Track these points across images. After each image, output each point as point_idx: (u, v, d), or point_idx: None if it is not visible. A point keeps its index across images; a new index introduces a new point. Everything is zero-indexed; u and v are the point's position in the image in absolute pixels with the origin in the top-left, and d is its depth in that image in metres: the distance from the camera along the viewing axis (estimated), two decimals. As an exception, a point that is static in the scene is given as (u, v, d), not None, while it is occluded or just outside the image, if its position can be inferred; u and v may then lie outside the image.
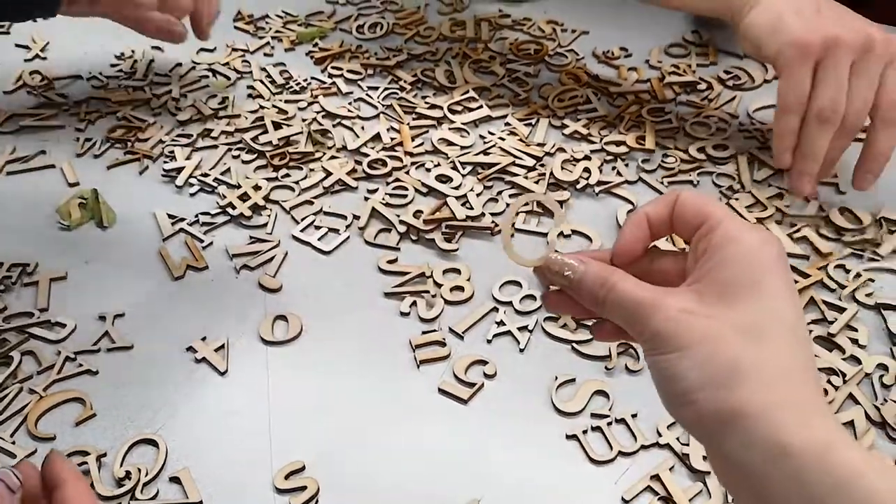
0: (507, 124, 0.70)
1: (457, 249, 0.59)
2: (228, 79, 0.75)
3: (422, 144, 0.68)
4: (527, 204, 0.40)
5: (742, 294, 0.33)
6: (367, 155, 0.67)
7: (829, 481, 0.29)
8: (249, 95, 0.73)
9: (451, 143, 0.68)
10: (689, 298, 0.33)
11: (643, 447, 0.48)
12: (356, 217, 0.62)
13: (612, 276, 0.35)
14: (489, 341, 0.54)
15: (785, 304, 0.33)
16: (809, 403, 0.31)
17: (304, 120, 0.70)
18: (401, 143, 0.68)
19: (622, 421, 0.49)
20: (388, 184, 0.65)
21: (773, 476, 0.30)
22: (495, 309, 0.56)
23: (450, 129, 0.69)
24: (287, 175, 0.66)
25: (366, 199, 0.64)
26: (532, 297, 0.56)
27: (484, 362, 0.52)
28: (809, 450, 0.30)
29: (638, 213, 0.37)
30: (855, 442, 0.31)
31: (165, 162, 0.67)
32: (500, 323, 0.54)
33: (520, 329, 0.54)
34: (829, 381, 0.49)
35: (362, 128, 0.70)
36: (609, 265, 0.36)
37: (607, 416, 0.49)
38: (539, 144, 0.67)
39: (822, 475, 0.30)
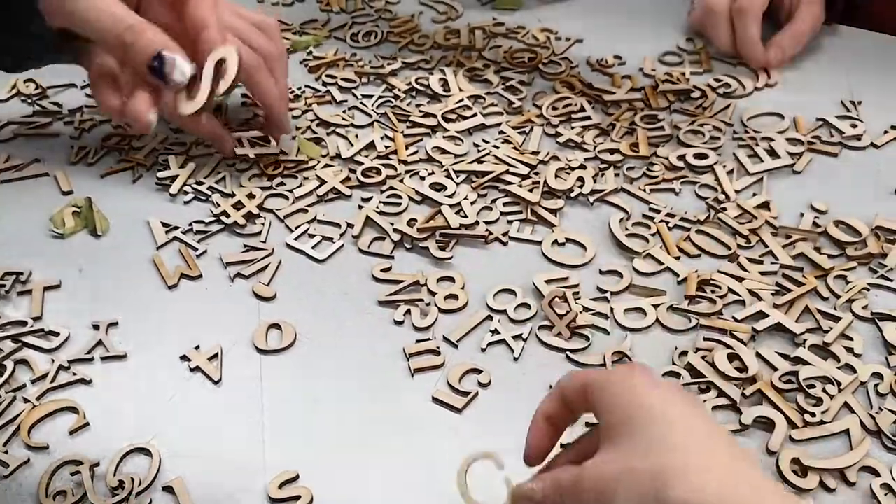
0: (502, 132, 0.70)
1: (451, 258, 0.59)
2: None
3: (416, 152, 0.68)
4: (476, 458, 0.42)
5: (634, 431, 0.36)
6: (361, 163, 0.67)
7: None
8: (244, 104, 0.73)
9: (445, 151, 0.68)
10: (602, 459, 0.37)
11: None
12: (350, 225, 0.62)
13: (560, 483, 0.38)
14: (483, 350, 0.54)
15: (668, 414, 0.36)
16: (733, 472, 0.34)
17: (297, 128, 0.70)
18: (395, 152, 0.68)
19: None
20: (382, 192, 0.65)
21: None
22: (489, 318, 0.56)
23: (444, 137, 0.69)
24: (282, 183, 0.66)
25: (360, 207, 0.64)
26: (527, 305, 0.56)
27: (478, 371, 0.52)
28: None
29: (536, 415, 0.41)
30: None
31: (159, 170, 0.67)
32: (495, 332, 0.54)
33: (514, 338, 0.54)
34: (824, 390, 0.49)
35: (356, 136, 0.70)
36: (559, 472, 0.39)
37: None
38: (533, 152, 0.67)
39: None
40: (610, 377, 0.38)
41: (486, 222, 0.62)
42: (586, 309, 0.55)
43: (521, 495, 0.40)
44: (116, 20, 0.47)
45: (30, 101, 0.74)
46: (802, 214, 0.62)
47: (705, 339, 0.53)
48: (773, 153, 0.67)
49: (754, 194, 0.64)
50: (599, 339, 0.54)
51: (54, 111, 0.73)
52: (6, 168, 0.68)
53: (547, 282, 0.57)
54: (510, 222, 0.62)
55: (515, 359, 0.53)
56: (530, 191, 0.64)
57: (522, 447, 0.47)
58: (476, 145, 0.69)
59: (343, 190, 0.65)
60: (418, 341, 0.54)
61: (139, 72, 0.51)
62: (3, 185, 0.66)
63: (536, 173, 0.66)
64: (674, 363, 0.52)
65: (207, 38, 0.55)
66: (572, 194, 0.64)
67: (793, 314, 0.54)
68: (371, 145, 0.69)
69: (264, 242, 0.61)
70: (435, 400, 0.51)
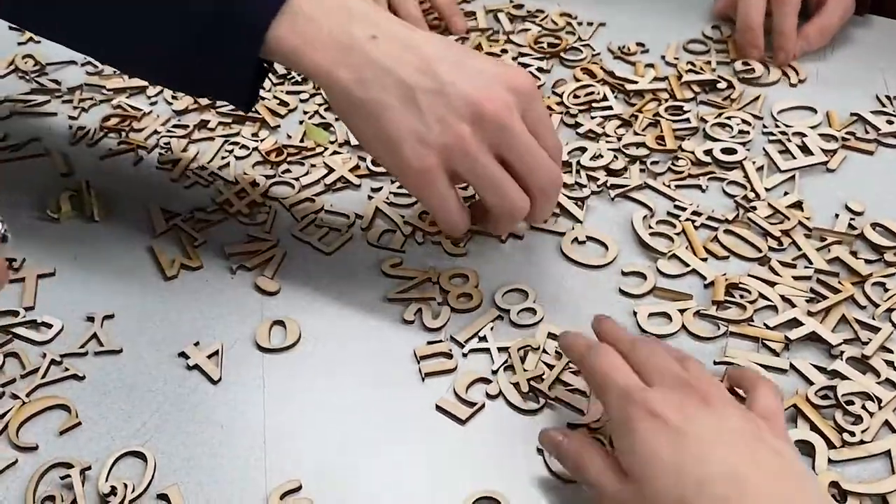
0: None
1: (465, 254, 0.56)
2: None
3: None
4: None
5: (644, 474, 0.38)
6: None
7: None
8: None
9: None
10: (619, 480, 0.39)
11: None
12: (359, 216, 0.59)
13: (583, 458, 0.42)
14: (465, 355, 0.51)
15: (683, 466, 0.37)
16: None
17: (305, 112, 0.67)
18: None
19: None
20: (392, 181, 0.62)
21: None
22: (500, 318, 0.53)
23: None
24: (287, 171, 0.62)
25: (369, 197, 0.61)
26: (532, 310, 0.53)
27: (487, 381, 0.49)
28: None
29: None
30: None
31: (161, 153, 0.64)
32: (483, 338, 0.51)
33: (500, 350, 0.51)
34: (863, 407, 0.46)
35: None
36: (588, 440, 0.43)
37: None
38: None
39: None
40: (617, 411, 0.40)
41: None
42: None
43: (547, 439, 0.44)
44: None
45: (28, 77, 0.71)
46: (837, 216, 0.58)
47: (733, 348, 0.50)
48: (805, 149, 0.63)
49: (786, 193, 0.60)
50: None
51: (53, 89, 0.70)
52: (2, 147, 0.65)
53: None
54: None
55: (493, 371, 0.50)
56: None
57: (534, 456, 0.45)
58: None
59: (352, 179, 0.62)
60: (429, 343, 0.51)
61: None
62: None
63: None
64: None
65: None
66: (594, 188, 0.61)
67: (829, 323, 0.51)
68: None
69: (269, 232, 0.58)
70: (439, 409, 0.48)
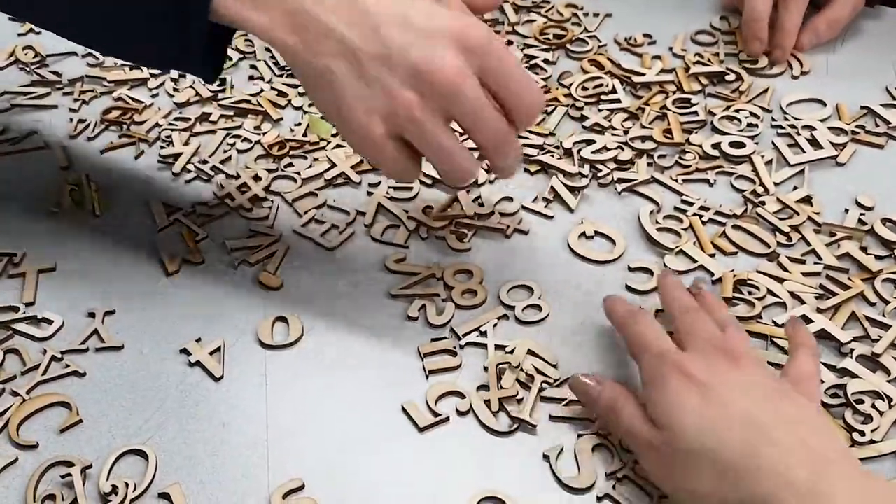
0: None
1: (469, 249, 0.56)
2: (230, 59, 0.71)
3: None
4: None
5: (673, 427, 0.40)
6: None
7: None
8: (251, 77, 0.69)
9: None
10: (650, 429, 0.42)
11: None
12: (360, 213, 0.58)
13: (618, 403, 0.44)
14: (462, 346, 0.50)
15: (708, 412, 0.39)
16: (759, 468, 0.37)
17: (311, 105, 0.66)
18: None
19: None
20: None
21: None
22: (505, 316, 0.52)
23: None
24: (290, 164, 0.62)
25: (369, 193, 0.60)
26: (538, 307, 0.52)
27: (461, 395, 0.48)
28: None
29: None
30: None
31: (162, 147, 0.63)
32: (483, 334, 0.51)
33: (497, 348, 0.50)
34: (873, 406, 0.45)
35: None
36: (619, 387, 0.45)
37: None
38: (550, 133, 0.63)
39: None
40: (649, 372, 0.43)
41: (503, 214, 0.58)
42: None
43: (579, 385, 0.46)
44: None
45: (28, 69, 0.70)
46: (847, 211, 0.58)
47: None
48: (815, 143, 0.63)
49: (795, 187, 0.59)
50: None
51: (54, 81, 0.69)
52: (2, 140, 0.64)
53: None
54: (534, 200, 0.59)
55: (485, 368, 0.49)
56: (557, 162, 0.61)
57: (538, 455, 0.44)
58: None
59: (352, 175, 0.61)
60: (433, 340, 0.50)
61: None
62: (-2, 159, 0.63)
63: (557, 147, 0.62)
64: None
65: None
66: (599, 181, 0.60)
67: (838, 320, 0.50)
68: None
69: (271, 227, 0.58)
70: (404, 410, 0.47)
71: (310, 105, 0.66)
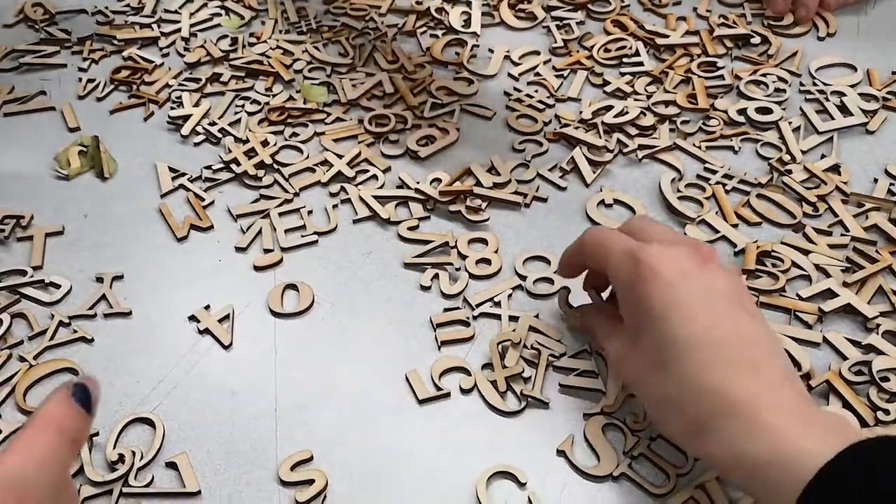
0: (538, 74, 0.64)
1: (486, 220, 0.54)
2: (242, 17, 0.70)
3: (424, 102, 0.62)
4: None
5: (639, 327, 0.40)
6: (371, 109, 0.61)
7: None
8: (256, 37, 0.68)
9: (452, 92, 0.62)
10: (622, 341, 0.42)
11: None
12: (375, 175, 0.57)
13: (595, 331, 0.46)
14: (475, 317, 0.49)
15: (671, 322, 0.38)
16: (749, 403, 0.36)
17: (298, 72, 0.65)
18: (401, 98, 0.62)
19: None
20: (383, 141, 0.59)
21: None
22: (520, 287, 0.51)
23: (455, 78, 0.63)
24: (295, 134, 0.60)
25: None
26: (549, 280, 0.51)
27: (467, 371, 0.47)
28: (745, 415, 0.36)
29: (562, 257, 0.47)
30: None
31: (172, 108, 0.62)
32: (497, 304, 0.49)
33: (511, 318, 0.49)
34: (900, 385, 0.44)
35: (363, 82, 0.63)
36: (597, 313, 0.46)
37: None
38: (573, 99, 0.62)
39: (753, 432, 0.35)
40: (620, 268, 0.41)
41: (518, 181, 0.56)
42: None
43: (571, 317, 0.48)
44: None
45: (37, 26, 0.69)
46: (876, 180, 0.56)
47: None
48: (844, 109, 0.60)
49: (823, 156, 0.57)
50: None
51: (62, 39, 0.68)
52: (10, 100, 0.63)
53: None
54: (551, 169, 0.57)
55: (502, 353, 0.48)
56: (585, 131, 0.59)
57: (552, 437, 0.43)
58: (507, 94, 0.63)
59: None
60: (446, 310, 0.49)
61: None
62: (6, 119, 0.62)
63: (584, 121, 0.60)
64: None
65: None
66: (626, 149, 0.58)
67: (865, 295, 0.49)
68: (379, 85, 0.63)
69: (283, 191, 0.56)
70: (407, 381, 0.46)
71: (309, 69, 0.65)
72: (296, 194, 0.56)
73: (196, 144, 0.59)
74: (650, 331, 0.39)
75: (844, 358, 0.46)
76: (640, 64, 0.64)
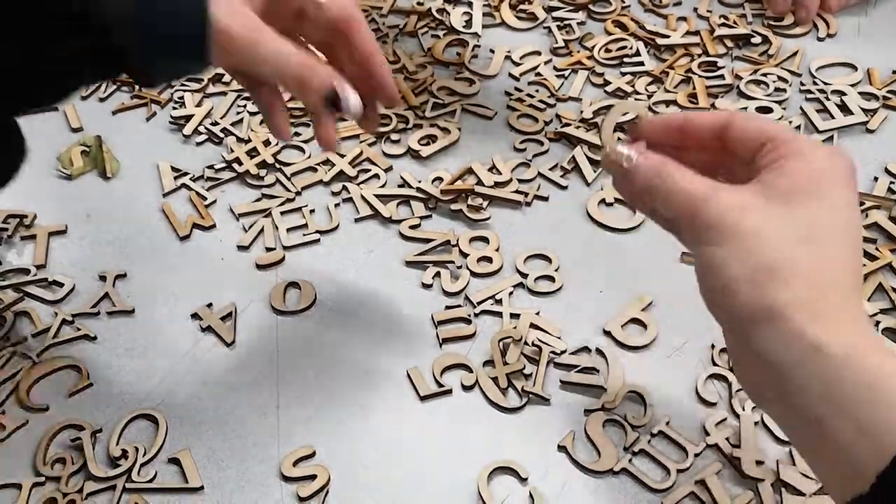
0: (538, 74, 0.64)
1: (487, 218, 0.54)
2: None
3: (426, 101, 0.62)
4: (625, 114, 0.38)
5: (802, 199, 0.33)
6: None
7: (860, 381, 0.29)
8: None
9: (453, 92, 0.62)
10: (746, 196, 0.33)
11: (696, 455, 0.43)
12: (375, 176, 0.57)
13: (667, 167, 0.35)
14: (477, 315, 0.49)
15: (846, 216, 0.33)
16: (849, 311, 0.31)
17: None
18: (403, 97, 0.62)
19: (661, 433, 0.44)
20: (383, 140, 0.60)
21: (804, 374, 0.30)
22: (521, 285, 0.51)
23: (456, 78, 0.64)
24: (297, 134, 0.60)
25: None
26: (550, 278, 0.51)
27: (468, 369, 0.47)
28: (843, 351, 0.30)
29: (678, 114, 0.37)
30: (889, 350, 0.30)
31: (174, 108, 0.62)
32: (499, 301, 0.50)
33: (512, 316, 0.49)
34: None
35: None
36: (667, 157, 0.35)
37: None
38: (574, 99, 0.62)
39: (852, 375, 0.29)
40: (815, 150, 0.34)
41: (521, 181, 0.56)
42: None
43: (614, 157, 0.36)
44: (294, 59, 0.41)
45: (40, 28, 0.69)
46: (876, 179, 0.56)
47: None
48: (844, 108, 0.60)
49: (824, 155, 0.57)
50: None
51: (65, 40, 0.68)
52: (13, 101, 0.63)
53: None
54: (552, 169, 0.57)
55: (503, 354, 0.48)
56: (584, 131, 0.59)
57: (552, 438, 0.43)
58: (507, 94, 0.63)
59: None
60: (448, 307, 0.49)
61: (314, 106, 0.45)
62: (9, 120, 0.62)
63: (585, 120, 0.60)
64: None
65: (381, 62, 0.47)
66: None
67: (865, 291, 0.49)
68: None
69: (285, 190, 0.56)
70: (408, 377, 0.46)
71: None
72: (298, 193, 0.56)
73: (198, 144, 0.60)
74: (820, 209, 0.32)
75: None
76: (641, 64, 0.65)
